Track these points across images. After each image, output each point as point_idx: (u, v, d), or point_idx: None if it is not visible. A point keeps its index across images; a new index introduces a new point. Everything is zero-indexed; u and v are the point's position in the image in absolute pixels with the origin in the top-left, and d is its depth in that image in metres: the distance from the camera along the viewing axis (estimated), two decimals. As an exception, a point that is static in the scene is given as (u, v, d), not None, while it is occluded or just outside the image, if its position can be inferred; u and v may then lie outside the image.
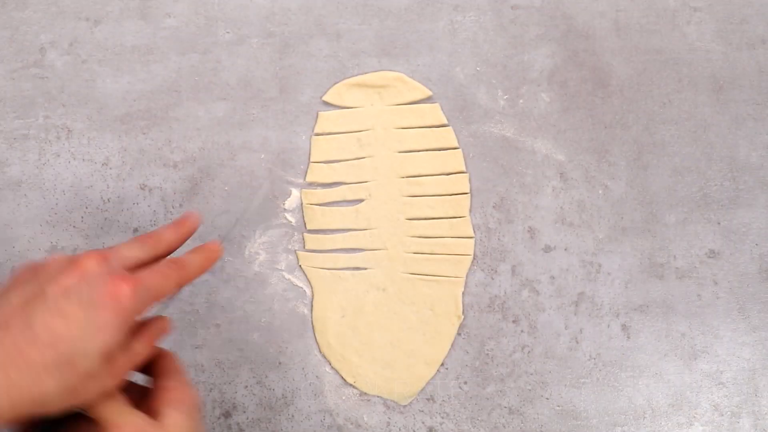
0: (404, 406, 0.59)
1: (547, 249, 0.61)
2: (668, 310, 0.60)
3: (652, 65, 0.63)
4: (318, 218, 0.61)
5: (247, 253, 0.61)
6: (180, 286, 0.43)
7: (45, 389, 0.37)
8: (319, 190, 0.61)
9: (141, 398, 0.42)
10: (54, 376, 0.37)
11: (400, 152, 0.62)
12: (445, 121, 0.62)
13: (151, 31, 0.63)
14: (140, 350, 0.41)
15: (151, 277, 0.41)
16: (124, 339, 0.39)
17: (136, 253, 0.42)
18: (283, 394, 0.59)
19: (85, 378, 0.38)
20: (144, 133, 0.62)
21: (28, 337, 0.36)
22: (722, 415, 0.59)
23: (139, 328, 0.42)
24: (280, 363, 0.60)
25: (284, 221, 0.61)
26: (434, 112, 0.62)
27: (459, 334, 0.60)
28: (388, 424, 0.59)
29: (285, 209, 0.61)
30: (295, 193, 0.62)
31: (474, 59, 0.63)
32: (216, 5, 0.63)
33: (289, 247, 0.61)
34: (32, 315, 0.37)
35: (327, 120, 0.62)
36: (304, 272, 0.61)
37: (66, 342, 0.37)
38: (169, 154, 0.62)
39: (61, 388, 0.37)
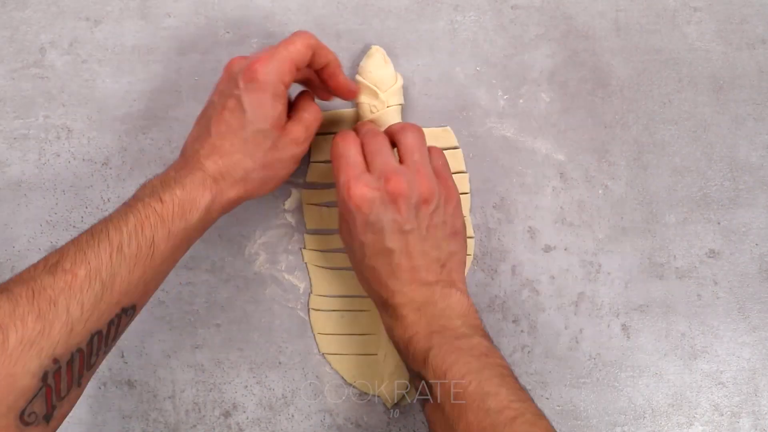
0: (404, 406, 0.59)
1: (547, 249, 0.61)
2: (668, 310, 0.60)
3: (652, 65, 0.63)
4: (318, 218, 0.61)
5: (247, 253, 0.61)
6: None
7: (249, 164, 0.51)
8: (319, 190, 0.61)
9: None
10: (257, 150, 0.51)
11: (400, 152, 0.62)
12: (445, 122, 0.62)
13: (151, 31, 0.63)
14: (308, 117, 0.54)
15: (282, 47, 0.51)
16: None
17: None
18: (283, 394, 0.59)
19: (271, 150, 0.52)
20: (144, 133, 0.62)
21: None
22: (722, 415, 0.59)
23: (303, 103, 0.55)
24: (280, 363, 0.60)
25: (284, 221, 0.61)
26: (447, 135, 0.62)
27: (459, 334, 0.60)
28: (388, 424, 0.59)
29: (285, 209, 0.61)
30: (295, 193, 0.62)
31: (474, 59, 0.63)
32: (216, 5, 0.63)
33: (289, 247, 0.61)
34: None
35: (327, 120, 0.62)
36: (306, 271, 0.61)
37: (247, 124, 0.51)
38: (169, 154, 0.62)
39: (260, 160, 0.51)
